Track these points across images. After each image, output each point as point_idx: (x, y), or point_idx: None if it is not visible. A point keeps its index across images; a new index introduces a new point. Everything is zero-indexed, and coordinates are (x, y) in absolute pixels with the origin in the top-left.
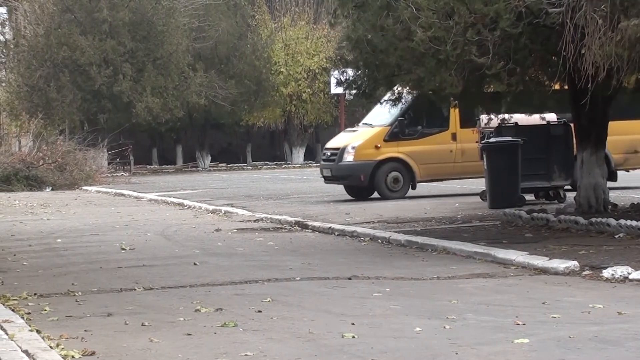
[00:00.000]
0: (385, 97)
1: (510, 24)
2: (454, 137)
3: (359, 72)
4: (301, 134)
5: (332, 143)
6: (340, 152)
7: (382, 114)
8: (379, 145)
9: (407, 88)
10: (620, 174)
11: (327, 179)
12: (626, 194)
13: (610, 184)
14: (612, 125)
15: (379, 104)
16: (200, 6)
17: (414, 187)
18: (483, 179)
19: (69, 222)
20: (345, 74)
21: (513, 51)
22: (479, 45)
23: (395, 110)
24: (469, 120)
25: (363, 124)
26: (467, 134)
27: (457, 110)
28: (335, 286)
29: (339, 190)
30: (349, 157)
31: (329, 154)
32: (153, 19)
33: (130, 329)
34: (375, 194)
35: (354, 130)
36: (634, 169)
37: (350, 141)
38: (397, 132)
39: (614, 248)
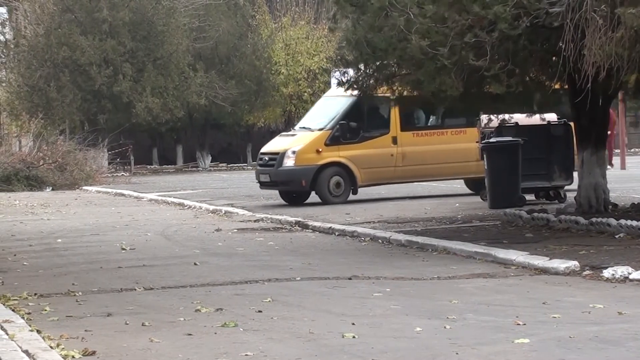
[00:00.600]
0: (334, 94)
1: (509, 25)
2: (394, 140)
3: (360, 72)
4: None
5: (270, 147)
6: (280, 157)
7: (321, 117)
8: (320, 150)
9: (408, 89)
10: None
11: (265, 185)
12: (627, 194)
13: (610, 184)
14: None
15: (315, 108)
16: (200, 6)
17: (355, 192)
18: (431, 183)
19: (69, 222)
20: (346, 75)
21: (512, 52)
22: (478, 48)
23: (336, 114)
24: (409, 123)
25: (300, 127)
26: (408, 137)
27: (397, 113)
28: (336, 286)
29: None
30: (289, 162)
31: (266, 158)
32: (153, 19)
33: (131, 329)
34: (310, 199)
35: (293, 134)
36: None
37: (290, 145)
38: (338, 136)
39: (614, 248)
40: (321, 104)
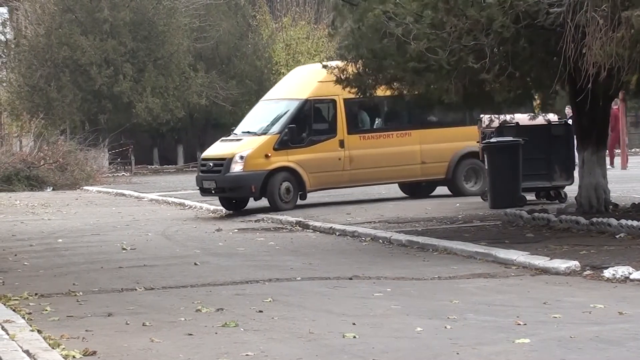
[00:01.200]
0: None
1: (506, 27)
2: (341, 144)
3: (360, 72)
4: None
5: (213, 152)
6: (227, 162)
7: (265, 121)
8: (269, 154)
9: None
10: (623, 173)
11: (210, 192)
12: (627, 194)
13: (611, 184)
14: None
15: (255, 111)
16: (201, 6)
17: (303, 197)
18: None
19: (70, 222)
20: (345, 73)
21: (512, 54)
22: (477, 51)
23: (282, 117)
24: (356, 126)
25: (243, 132)
26: (355, 141)
27: (343, 115)
28: (337, 286)
29: (339, 190)
30: (237, 168)
31: (211, 164)
32: (154, 19)
33: (131, 329)
34: (250, 205)
35: (238, 139)
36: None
37: (237, 150)
38: (287, 140)
39: (615, 248)
40: (261, 107)
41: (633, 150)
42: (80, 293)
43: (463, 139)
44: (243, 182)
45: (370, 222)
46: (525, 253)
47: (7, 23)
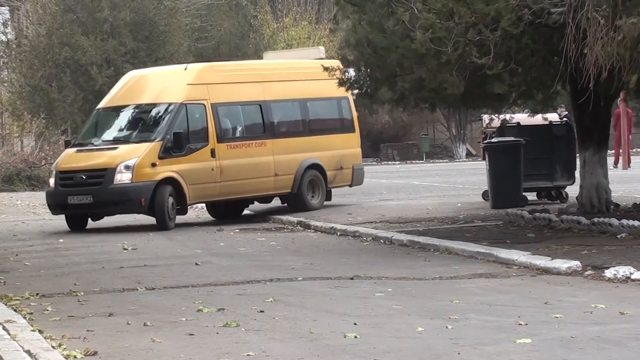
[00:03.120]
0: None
1: (511, 24)
2: (212, 153)
3: (361, 72)
4: None
5: (79, 164)
6: (109, 173)
7: (133, 128)
8: (156, 163)
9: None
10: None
11: (71, 209)
12: (629, 194)
13: (612, 184)
14: (323, 140)
15: (105, 120)
16: (202, 6)
17: (183, 212)
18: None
19: None
20: (347, 74)
21: (515, 51)
22: (480, 46)
23: (158, 122)
24: (224, 134)
25: (105, 141)
26: (224, 150)
27: (213, 122)
28: (338, 286)
29: (340, 190)
30: (124, 178)
31: (82, 177)
32: (155, 19)
33: (133, 329)
34: (90, 224)
35: (109, 147)
36: (340, 186)
37: (119, 159)
38: (170, 148)
39: (616, 248)
40: (115, 114)
41: (634, 150)
42: (82, 293)
43: (307, 149)
44: (132, 195)
45: (371, 222)
46: (526, 253)
47: (9, 23)
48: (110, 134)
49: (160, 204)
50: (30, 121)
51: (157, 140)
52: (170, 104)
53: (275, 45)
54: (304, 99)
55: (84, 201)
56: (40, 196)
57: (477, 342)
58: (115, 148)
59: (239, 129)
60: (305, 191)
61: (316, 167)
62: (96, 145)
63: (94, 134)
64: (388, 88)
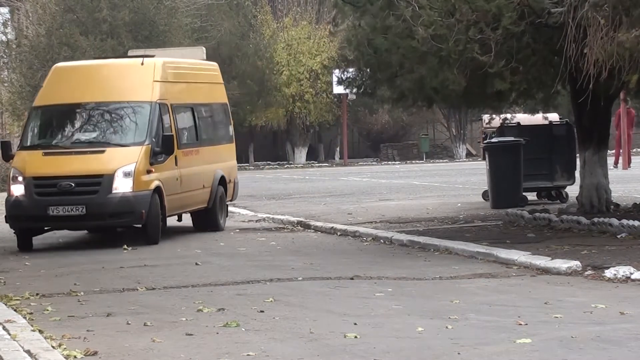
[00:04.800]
0: None
1: (512, 22)
2: (176, 160)
3: (361, 72)
4: (303, 134)
5: (58, 169)
6: (106, 180)
7: (106, 129)
8: (152, 170)
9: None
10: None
11: (60, 220)
12: (629, 194)
13: (612, 184)
14: (224, 150)
15: (59, 120)
16: (202, 6)
17: (164, 225)
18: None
19: None
20: (346, 72)
21: (516, 50)
22: (482, 44)
23: (136, 124)
24: (181, 139)
25: (75, 143)
26: (181, 157)
27: (174, 125)
28: (338, 286)
29: (341, 189)
30: (124, 187)
31: (70, 184)
32: (155, 19)
33: (133, 329)
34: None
35: (94, 151)
36: (229, 201)
37: (115, 164)
38: (157, 153)
39: (616, 248)
40: (93, 110)
41: (635, 150)
42: (82, 293)
43: (217, 160)
44: (135, 206)
45: (371, 222)
46: (526, 253)
47: (9, 23)
48: (79, 135)
49: (154, 216)
50: None
51: (146, 143)
52: (141, 103)
53: (275, 45)
54: (215, 103)
55: (74, 212)
56: None
57: (477, 342)
58: (102, 151)
59: (187, 134)
60: (218, 207)
61: (222, 179)
62: (69, 148)
63: (52, 135)
64: (388, 87)
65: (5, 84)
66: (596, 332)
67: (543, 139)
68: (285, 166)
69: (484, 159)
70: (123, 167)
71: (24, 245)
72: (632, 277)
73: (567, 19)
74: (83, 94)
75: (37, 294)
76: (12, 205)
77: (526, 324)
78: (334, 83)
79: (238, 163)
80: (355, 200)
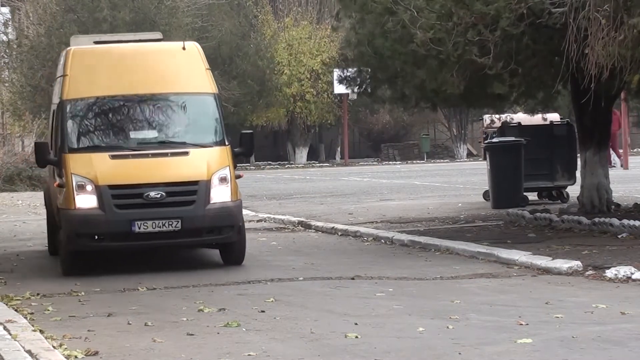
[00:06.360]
0: None
1: (511, 24)
2: None
3: (361, 71)
4: (304, 134)
5: (142, 175)
6: (202, 187)
7: (173, 125)
8: (241, 175)
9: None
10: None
11: (148, 237)
12: (629, 194)
13: (613, 184)
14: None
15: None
16: (203, 6)
17: None
18: None
19: None
20: (347, 71)
21: (515, 52)
22: (481, 46)
23: (201, 119)
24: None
25: (141, 143)
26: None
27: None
28: (339, 286)
29: (342, 189)
30: (222, 195)
31: (162, 193)
32: (155, 19)
33: (133, 329)
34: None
35: (183, 151)
36: None
37: (204, 167)
38: (239, 153)
39: (617, 248)
40: (149, 103)
41: (635, 150)
42: (82, 293)
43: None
44: (235, 219)
45: (372, 222)
46: (527, 253)
47: (9, 23)
48: (144, 133)
49: (244, 231)
50: (31, 121)
51: (227, 143)
52: (206, 95)
53: (276, 45)
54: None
55: (167, 228)
56: (41, 196)
57: (478, 342)
58: (185, 153)
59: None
60: None
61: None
62: (139, 150)
63: (109, 134)
64: (388, 87)
65: (6, 84)
66: (597, 332)
67: (544, 139)
68: (286, 166)
69: (484, 159)
70: (218, 172)
71: (75, 268)
72: (633, 277)
73: (568, 19)
74: (131, 84)
75: (37, 294)
76: (82, 221)
77: (527, 324)
78: (335, 83)
79: (238, 163)
80: (356, 200)
